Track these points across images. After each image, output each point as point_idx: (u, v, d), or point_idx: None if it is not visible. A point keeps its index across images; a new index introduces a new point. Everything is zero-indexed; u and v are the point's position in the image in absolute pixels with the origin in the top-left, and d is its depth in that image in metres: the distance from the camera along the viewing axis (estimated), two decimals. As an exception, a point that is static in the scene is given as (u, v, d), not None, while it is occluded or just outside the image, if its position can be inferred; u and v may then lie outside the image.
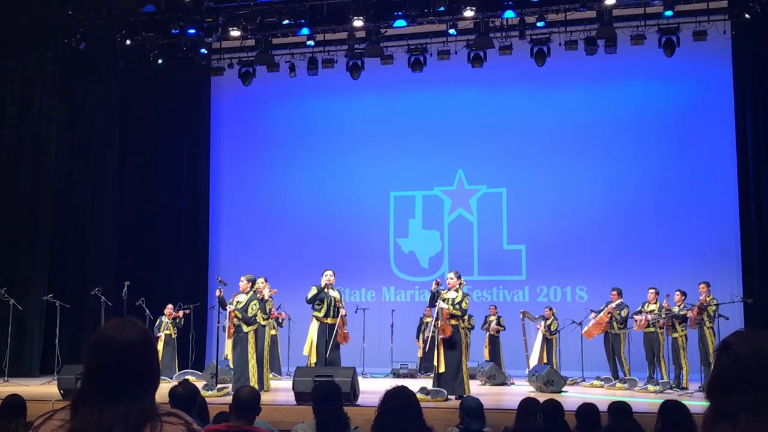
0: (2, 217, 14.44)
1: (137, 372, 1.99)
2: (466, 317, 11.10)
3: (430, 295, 11.00)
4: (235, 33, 14.89)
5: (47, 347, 13.91)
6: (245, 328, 11.10)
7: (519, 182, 16.56)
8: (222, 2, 14.82)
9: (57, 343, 13.08)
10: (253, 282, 11.45)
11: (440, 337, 10.58)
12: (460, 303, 10.64)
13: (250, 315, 11.07)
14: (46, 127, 14.88)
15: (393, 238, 17.19)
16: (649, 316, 12.57)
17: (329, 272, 11.35)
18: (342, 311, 11.34)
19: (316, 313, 11.25)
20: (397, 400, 4.02)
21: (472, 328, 13.43)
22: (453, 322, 10.63)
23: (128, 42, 15.30)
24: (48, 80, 14.95)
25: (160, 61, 15.90)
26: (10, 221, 14.45)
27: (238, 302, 11.22)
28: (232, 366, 11.49)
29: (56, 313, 13.24)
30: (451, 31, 15.05)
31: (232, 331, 11.27)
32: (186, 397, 4.89)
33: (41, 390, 11.25)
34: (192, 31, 14.96)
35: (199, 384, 9.46)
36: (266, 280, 11.96)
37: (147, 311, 14.00)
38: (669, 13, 14.03)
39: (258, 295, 11.38)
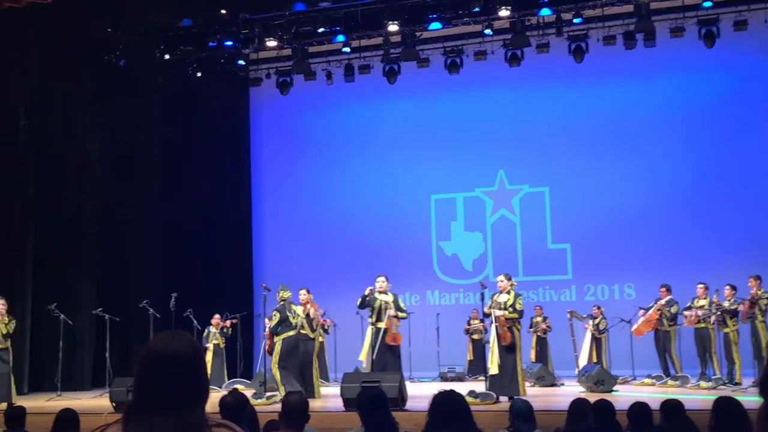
0: (50, 235, 14.68)
1: (187, 384, 2.00)
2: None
3: (481, 296, 10.98)
4: (272, 43, 14.98)
5: (98, 360, 14.13)
6: (274, 339, 11.49)
7: (561, 180, 16.42)
8: (257, 13, 14.92)
9: (107, 356, 13.24)
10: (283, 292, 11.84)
11: (503, 344, 10.45)
12: (513, 305, 10.50)
13: (273, 326, 11.46)
14: (89, 144, 15.13)
15: (435, 241, 17.14)
16: (700, 312, 12.39)
17: (380, 278, 11.49)
18: (389, 311, 11.32)
19: (369, 319, 11.50)
20: (447, 404, 4.01)
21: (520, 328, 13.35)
22: (509, 325, 10.52)
23: (167, 57, 15.47)
24: (89, 97, 15.20)
25: (198, 75, 16.03)
26: (57, 238, 14.69)
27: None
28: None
29: (106, 327, 13.42)
30: (487, 31, 14.94)
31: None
32: (236, 407, 4.93)
33: (93, 403, 11.42)
34: (229, 43, 15.11)
35: (249, 393, 9.53)
36: (308, 291, 12.11)
37: (195, 322, 14.14)
38: (708, 3, 13.81)
39: (303, 311, 11.80)
